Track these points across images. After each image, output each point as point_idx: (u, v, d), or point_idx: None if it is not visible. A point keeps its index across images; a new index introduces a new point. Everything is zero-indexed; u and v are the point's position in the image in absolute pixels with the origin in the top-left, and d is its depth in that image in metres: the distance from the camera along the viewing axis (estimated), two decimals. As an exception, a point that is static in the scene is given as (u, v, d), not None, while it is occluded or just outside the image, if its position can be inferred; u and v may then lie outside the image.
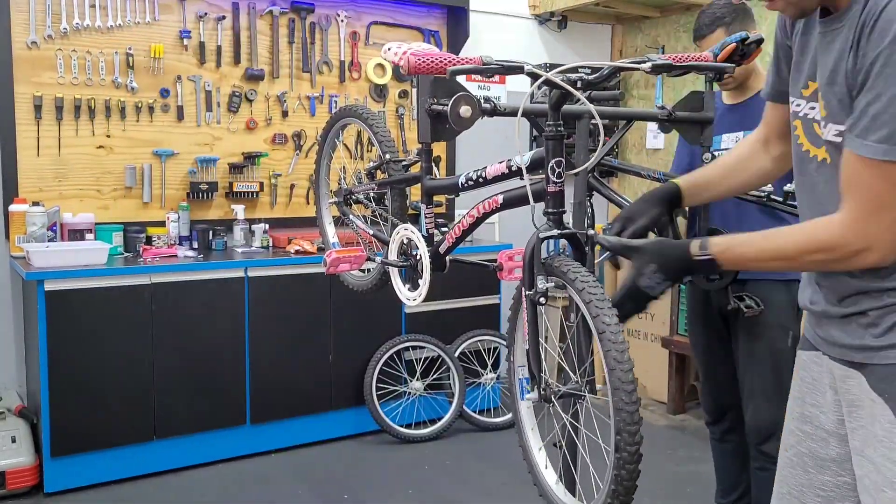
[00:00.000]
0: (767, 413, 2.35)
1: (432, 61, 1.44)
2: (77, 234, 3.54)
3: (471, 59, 1.42)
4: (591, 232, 1.48)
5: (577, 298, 1.34)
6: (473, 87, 4.42)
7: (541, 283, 1.39)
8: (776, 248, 1.28)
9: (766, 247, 1.29)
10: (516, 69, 1.40)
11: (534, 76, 1.38)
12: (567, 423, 1.49)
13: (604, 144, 1.52)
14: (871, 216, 1.16)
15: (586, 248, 1.45)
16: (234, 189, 3.97)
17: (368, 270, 2.25)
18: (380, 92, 4.39)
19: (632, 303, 1.37)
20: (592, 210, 1.72)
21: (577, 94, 1.37)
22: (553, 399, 1.43)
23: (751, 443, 2.45)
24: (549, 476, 1.56)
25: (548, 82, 1.38)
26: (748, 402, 2.44)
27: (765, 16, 4.36)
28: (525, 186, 1.47)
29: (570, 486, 1.56)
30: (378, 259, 2.00)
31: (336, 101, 4.26)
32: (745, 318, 2.37)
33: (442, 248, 1.77)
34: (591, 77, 1.44)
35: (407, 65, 1.44)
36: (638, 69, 1.46)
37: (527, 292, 1.42)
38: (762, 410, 2.38)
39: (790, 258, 1.28)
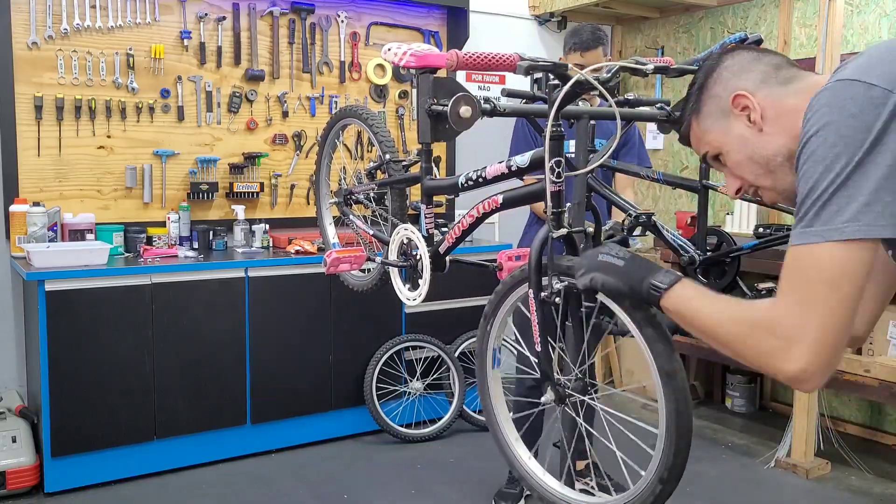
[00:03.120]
0: None
1: (478, 58, 1.46)
2: (77, 235, 3.55)
3: (509, 57, 1.44)
4: (589, 230, 1.48)
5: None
6: (473, 87, 4.43)
7: (556, 284, 1.39)
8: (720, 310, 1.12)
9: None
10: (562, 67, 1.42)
11: (564, 77, 1.39)
12: (577, 423, 1.50)
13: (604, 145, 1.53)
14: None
15: (581, 246, 1.46)
16: (235, 189, 3.98)
17: (368, 270, 2.25)
18: (380, 92, 4.40)
19: None
20: (596, 211, 1.72)
21: (606, 95, 1.38)
22: (567, 399, 1.44)
23: None
24: (529, 460, 1.58)
25: (579, 83, 1.38)
26: None
27: (764, 17, 4.36)
28: (524, 187, 1.47)
29: (570, 484, 1.56)
30: (378, 259, 2.01)
31: (336, 102, 4.27)
32: None
33: (442, 249, 1.77)
34: (606, 77, 1.44)
35: (455, 61, 1.46)
36: (638, 69, 1.47)
37: (535, 293, 1.42)
38: None
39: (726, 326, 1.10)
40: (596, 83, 1.37)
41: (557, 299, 1.40)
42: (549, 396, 1.45)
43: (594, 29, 2.99)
